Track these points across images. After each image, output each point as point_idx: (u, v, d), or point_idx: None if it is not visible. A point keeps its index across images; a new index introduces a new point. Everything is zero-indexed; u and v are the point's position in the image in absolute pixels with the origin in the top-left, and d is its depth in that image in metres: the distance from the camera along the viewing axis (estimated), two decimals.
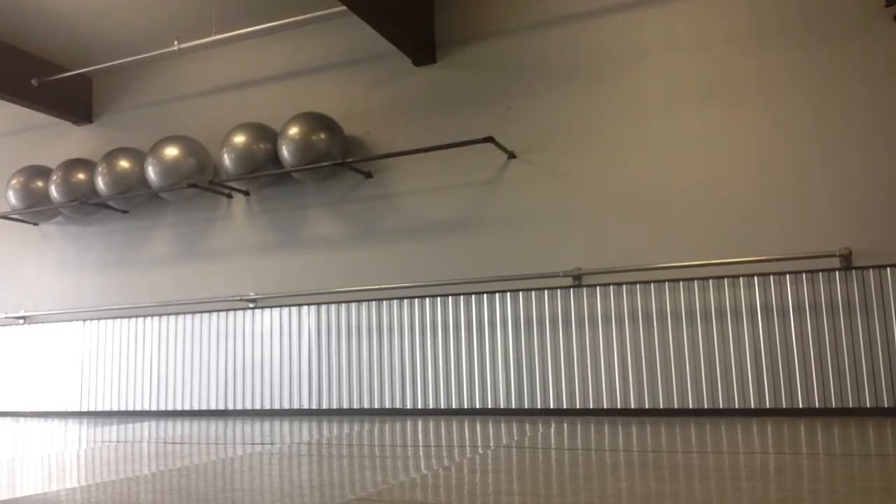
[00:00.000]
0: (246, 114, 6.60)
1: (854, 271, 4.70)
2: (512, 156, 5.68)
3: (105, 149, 7.12)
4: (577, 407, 5.23)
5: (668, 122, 5.27)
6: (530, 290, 5.48)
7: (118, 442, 4.68)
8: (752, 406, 4.79)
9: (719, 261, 4.92)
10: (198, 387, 6.54)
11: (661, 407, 5.00)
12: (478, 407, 5.53)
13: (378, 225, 6.12)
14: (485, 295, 5.62)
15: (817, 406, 4.65)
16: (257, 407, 6.26)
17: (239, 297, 6.43)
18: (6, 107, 7.37)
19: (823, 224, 4.80)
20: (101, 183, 6.71)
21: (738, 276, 4.93)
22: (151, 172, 6.49)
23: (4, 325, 7.54)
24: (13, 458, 4.05)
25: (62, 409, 7.08)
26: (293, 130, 6.01)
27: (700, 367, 4.94)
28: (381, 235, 6.09)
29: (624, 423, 4.53)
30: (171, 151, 6.47)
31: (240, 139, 6.19)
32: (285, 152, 6.02)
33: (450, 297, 5.73)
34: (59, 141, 7.64)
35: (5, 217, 7.35)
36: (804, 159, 4.92)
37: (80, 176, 6.91)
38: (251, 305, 6.44)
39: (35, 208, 7.11)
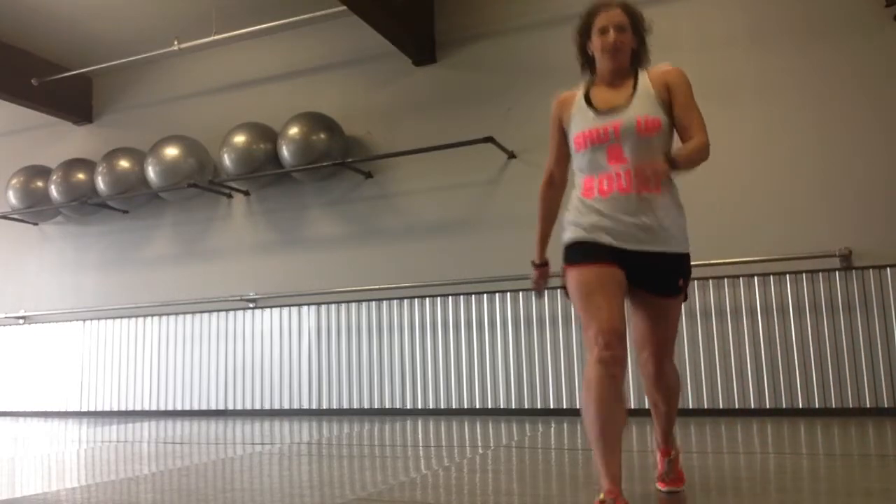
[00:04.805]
0: (246, 114, 6.59)
1: (854, 271, 4.69)
2: (512, 156, 5.68)
3: (105, 149, 7.11)
4: (577, 407, 5.23)
5: None
6: (530, 290, 5.46)
7: (118, 442, 4.68)
8: (752, 406, 4.78)
9: (719, 261, 4.91)
10: (198, 387, 6.54)
11: None
12: (478, 407, 5.53)
13: (378, 225, 6.12)
14: (485, 295, 5.62)
15: (817, 406, 4.65)
16: (257, 407, 6.26)
17: (239, 297, 6.42)
18: (6, 107, 7.36)
19: (823, 224, 4.80)
20: (101, 183, 6.71)
21: (738, 277, 4.93)
22: (151, 172, 6.49)
23: (4, 325, 7.54)
24: (13, 458, 4.05)
25: (62, 409, 7.07)
26: (293, 130, 6.01)
27: (700, 367, 4.94)
28: (381, 235, 6.09)
29: None
30: (171, 151, 6.47)
31: (240, 139, 6.19)
32: (285, 152, 6.02)
33: (450, 297, 5.73)
34: (59, 141, 7.63)
35: (5, 217, 7.35)
36: (804, 159, 4.91)
37: (80, 176, 6.91)
38: (251, 305, 6.44)
39: (35, 208, 7.10)
